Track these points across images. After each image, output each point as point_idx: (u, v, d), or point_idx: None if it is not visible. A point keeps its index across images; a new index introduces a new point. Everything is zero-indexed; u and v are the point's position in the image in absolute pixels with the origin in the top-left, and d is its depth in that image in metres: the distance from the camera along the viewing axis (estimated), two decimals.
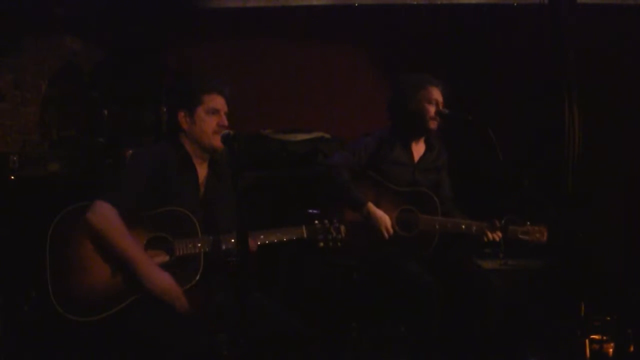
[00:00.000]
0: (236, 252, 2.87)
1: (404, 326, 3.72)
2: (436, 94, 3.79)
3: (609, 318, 3.99)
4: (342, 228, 3.19)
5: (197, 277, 2.95)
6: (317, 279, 4.15)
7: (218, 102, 3.15)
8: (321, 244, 3.17)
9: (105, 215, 2.90)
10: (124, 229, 2.91)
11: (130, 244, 2.90)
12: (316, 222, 3.17)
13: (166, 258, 2.96)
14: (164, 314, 2.86)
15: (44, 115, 4.79)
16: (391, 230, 3.66)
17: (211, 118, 3.11)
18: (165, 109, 4.80)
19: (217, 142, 3.07)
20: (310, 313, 3.82)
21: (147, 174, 3.02)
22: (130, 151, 4.24)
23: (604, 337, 3.86)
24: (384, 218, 3.65)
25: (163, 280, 2.89)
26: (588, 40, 4.81)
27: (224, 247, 3.01)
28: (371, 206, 3.65)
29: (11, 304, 3.68)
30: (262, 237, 3.11)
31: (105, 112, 4.74)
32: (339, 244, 3.18)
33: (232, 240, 3.01)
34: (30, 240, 3.73)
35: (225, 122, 3.12)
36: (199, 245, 2.97)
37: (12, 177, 4.01)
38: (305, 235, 3.17)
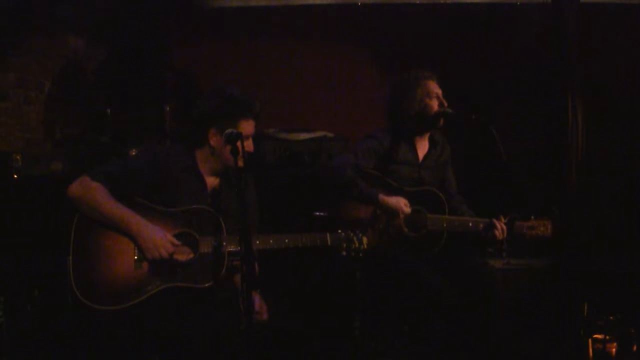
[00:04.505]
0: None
1: (407, 325, 3.72)
2: (433, 86, 3.73)
3: (612, 317, 3.98)
4: (365, 239, 3.17)
5: (221, 274, 2.95)
6: (319, 277, 4.15)
7: (251, 127, 3.07)
8: (344, 253, 3.16)
9: (85, 184, 2.93)
10: (108, 195, 2.92)
11: (115, 206, 2.91)
12: (340, 231, 3.16)
13: (191, 254, 2.97)
14: (182, 309, 2.86)
15: (47, 114, 4.80)
16: (409, 212, 3.61)
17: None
18: (168, 109, 4.82)
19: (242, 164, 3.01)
20: (312, 311, 3.83)
21: (138, 167, 3.02)
22: (134, 150, 4.26)
23: (607, 337, 3.85)
24: (399, 203, 3.60)
25: (154, 234, 2.90)
26: (591, 39, 4.81)
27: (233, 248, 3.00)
28: (382, 197, 3.60)
29: (14, 303, 3.68)
30: (286, 240, 3.08)
31: (109, 111, 4.75)
32: (360, 254, 3.17)
33: (257, 242, 3.01)
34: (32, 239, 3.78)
35: (252, 148, 3.06)
36: (224, 244, 2.97)
37: (16, 176, 4.02)
38: (329, 243, 3.15)
